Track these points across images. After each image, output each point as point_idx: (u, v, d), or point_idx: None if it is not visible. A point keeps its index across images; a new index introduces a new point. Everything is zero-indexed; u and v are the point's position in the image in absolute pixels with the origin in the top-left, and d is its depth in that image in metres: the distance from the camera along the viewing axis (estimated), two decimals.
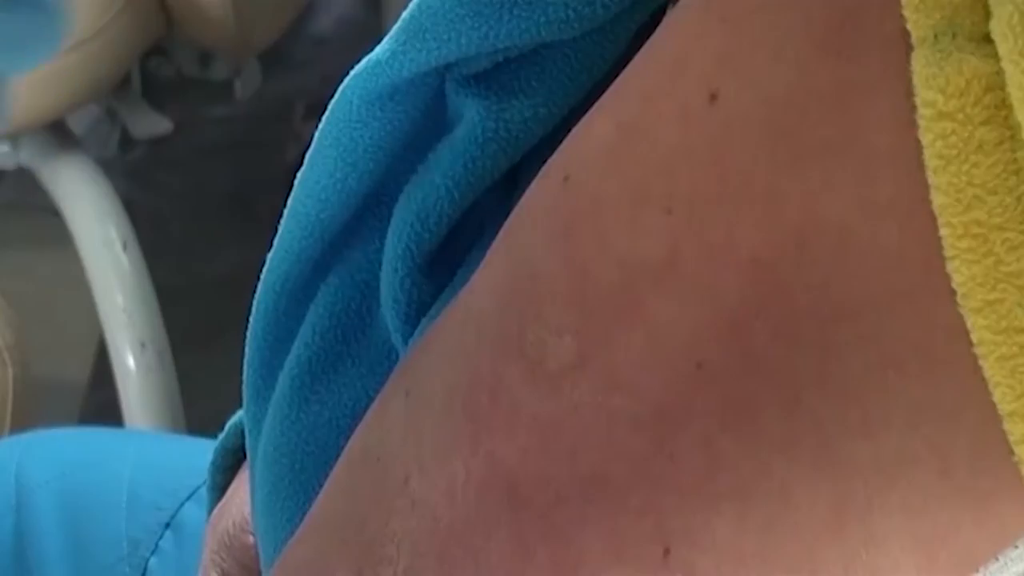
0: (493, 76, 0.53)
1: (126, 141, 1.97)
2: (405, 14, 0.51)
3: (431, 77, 0.53)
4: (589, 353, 0.43)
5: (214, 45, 1.73)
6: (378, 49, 0.52)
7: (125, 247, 1.62)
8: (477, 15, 0.51)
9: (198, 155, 2.06)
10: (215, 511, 0.82)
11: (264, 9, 1.71)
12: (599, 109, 0.48)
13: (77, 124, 1.86)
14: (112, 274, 1.69)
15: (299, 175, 0.56)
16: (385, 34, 0.53)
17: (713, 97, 0.44)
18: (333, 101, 0.53)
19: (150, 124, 1.85)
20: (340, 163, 0.54)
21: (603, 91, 0.50)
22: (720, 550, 0.42)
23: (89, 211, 1.68)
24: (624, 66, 0.54)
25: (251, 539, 0.77)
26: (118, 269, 1.68)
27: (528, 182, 0.50)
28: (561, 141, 0.49)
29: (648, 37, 0.54)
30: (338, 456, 0.54)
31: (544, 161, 0.50)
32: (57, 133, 1.77)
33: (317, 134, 0.54)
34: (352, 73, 0.53)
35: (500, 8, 0.51)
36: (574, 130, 0.49)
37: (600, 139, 0.47)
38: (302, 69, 2.01)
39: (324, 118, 0.53)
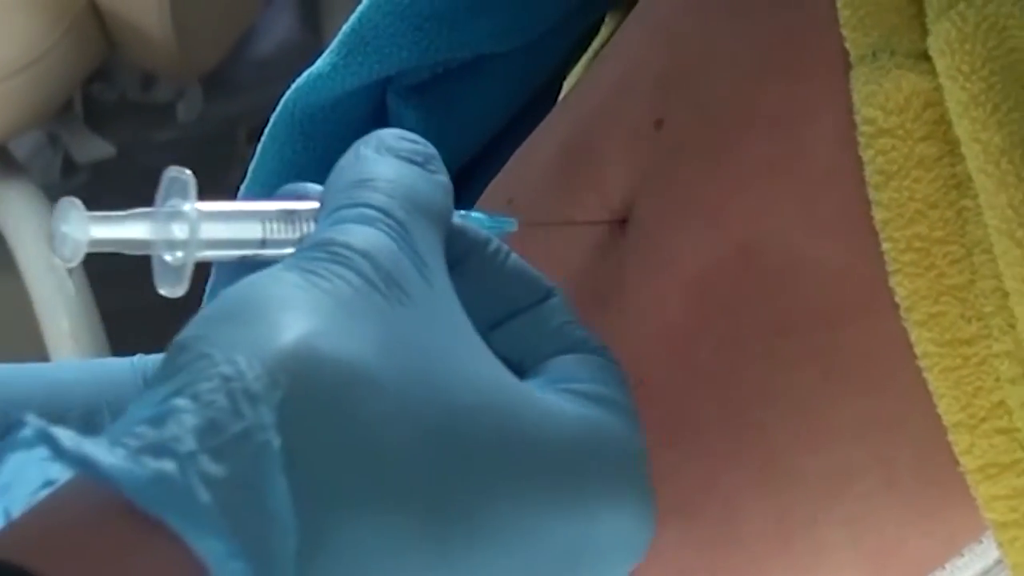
0: (433, 87, 0.53)
1: (69, 166, 1.95)
2: (346, 27, 0.51)
3: (373, 89, 0.52)
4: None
5: (156, 69, 1.72)
6: (319, 62, 0.52)
7: (70, 272, 1.61)
8: (418, 28, 0.51)
9: (142, 179, 2.03)
10: None
11: (205, 32, 1.69)
12: (544, 129, 0.48)
13: (19, 149, 1.84)
14: (58, 299, 1.67)
15: (241, 189, 0.55)
16: None
17: (659, 123, 0.44)
18: (275, 114, 0.53)
19: (93, 149, 1.83)
20: (283, 176, 0.53)
21: (543, 100, 0.51)
22: (665, 564, 0.41)
23: (34, 236, 1.66)
24: (563, 76, 0.56)
25: None
26: (63, 294, 1.67)
27: (468, 193, 0.49)
28: (500, 149, 0.49)
29: (586, 47, 0.55)
30: None
31: (485, 171, 0.50)
32: None
33: (260, 147, 0.53)
34: (293, 86, 0.52)
35: (440, 21, 0.51)
36: (517, 152, 0.49)
37: (544, 163, 0.46)
38: (244, 92, 2.00)
39: (266, 131, 0.53)
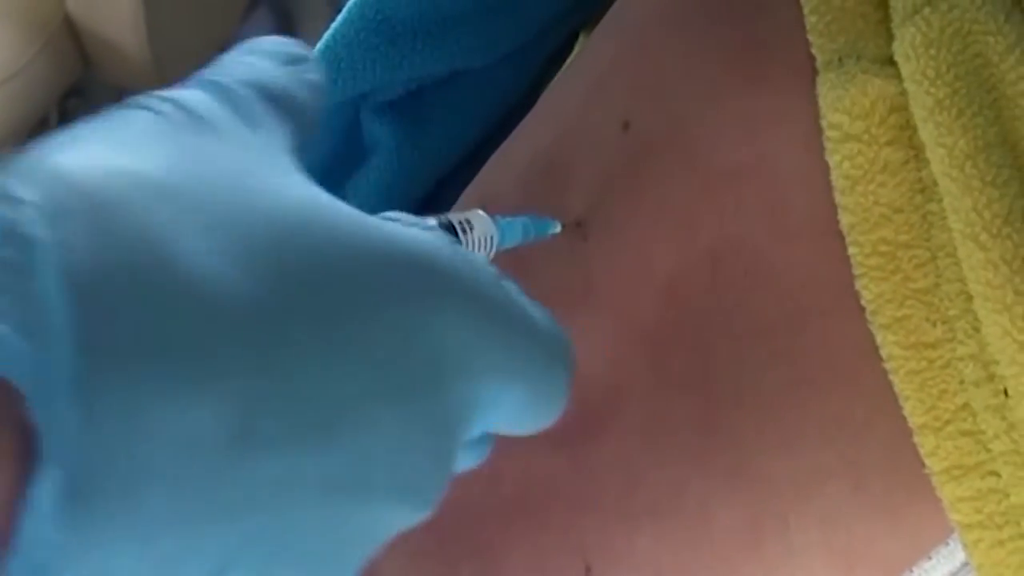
0: (408, 103, 0.53)
1: None
2: (320, 44, 0.51)
3: (347, 106, 0.53)
4: None
5: (132, 85, 1.72)
6: None
7: None
8: (391, 44, 0.51)
9: None
10: None
11: (181, 48, 1.69)
12: (517, 137, 0.48)
13: None
14: None
15: None
16: None
17: (626, 125, 0.44)
18: None
19: None
20: None
21: (518, 115, 0.51)
22: (641, 566, 0.41)
23: None
24: (539, 90, 0.55)
25: None
26: None
27: (445, 208, 0.49)
28: (476, 166, 0.49)
29: (562, 62, 0.55)
30: None
31: (460, 188, 0.50)
32: None
33: None
34: None
35: (413, 38, 0.51)
36: (492, 157, 0.49)
37: (516, 168, 0.46)
38: None
39: None
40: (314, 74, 0.33)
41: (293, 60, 0.33)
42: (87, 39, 1.58)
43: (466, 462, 0.37)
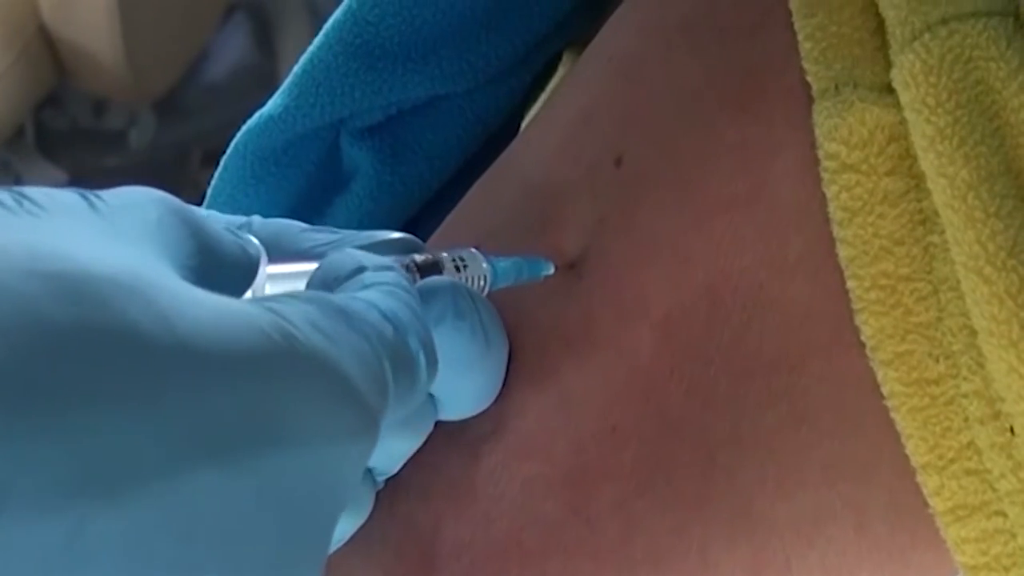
0: (388, 129, 0.52)
1: None
2: (297, 68, 0.51)
3: (325, 131, 0.52)
4: (505, 420, 0.43)
5: (108, 94, 1.71)
6: (270, 104, 0.51)
7: None
8: (370, 68, 0.50)
9: None
10: None
11: (157, 57, 1.68)
12: (503, 170, 0.48)
13: None
14: None
15: None
16: (281, 81, 0.52)
17: (619, 161, 0.43)
18: (226, 156, 0.52)
19: (44, 176, 1.82)
20: None
21: (501, 140, 0.50)
22: None
23: None
24: (522, 114, 0.55)
25: None
26: None
27: (426, 237, 0.48)
28: (459, 193, 0.49)
29: (544, 85, 0.55)
30: None
31: (443, 214, 0.49)
32: None
33: (210, 190, 0.52)
34: (244, 128, 0.52)
35: (394, 61, 0.50)
36: (475, 189, 0.48)
37: (507, 203, 0.46)
38: (197, 116, 1.99)
39: (216, 174, 0.52)
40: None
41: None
42: (62, 47, 1.57)
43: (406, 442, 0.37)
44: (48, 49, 1.58)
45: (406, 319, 0.33)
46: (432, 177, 0.53)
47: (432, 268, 0.40)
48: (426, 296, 0.38)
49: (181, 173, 1.94)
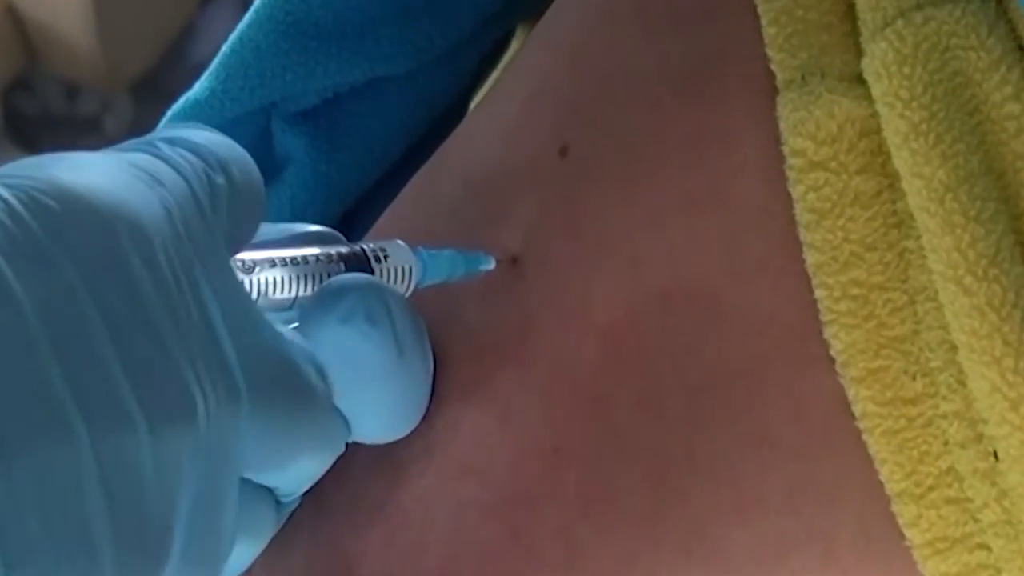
0: (323, 114, 0.51)
1: None
2: (224, 48, 0.49)
3: (256, 116, 0.50)
4: (436, 439, 0.41)
5: (81, 77, 1.69)
6: (195, 87, 0.50)
7: None
8: (303, 49, 0.48)
9: None
10: None
11: (134, 36, 1.66)
12: (441, 159, 0.46)
13: None
14: None
15: None
16: None
17: (564, 150, 0.42)
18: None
19: None
20: None
21: (447, 126, 0.49)
22: None
23: None
24: (470, 96, 0.53)
25: None
26: None
27: (364, 231, 0.47)
28: (401, 183, 0.47)
29: (495, 63, 0.52)
30: None
31: (383, 207, 0.47)
32: None
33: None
34: (168, 114, 0.50)
35: (328, 40, 0.48)
36: (412, 181, 0.46)
37: (444, 194, 0.44)
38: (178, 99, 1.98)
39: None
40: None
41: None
42: (32, 30, 1.56)
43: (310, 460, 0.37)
44: (17, 31, 1.57)
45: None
46: (371, 166, 0.51)
47: (358, 260, 0.39)
48: (333, 296, 0.37)
49: None
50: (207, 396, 0.31)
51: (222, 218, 0.34)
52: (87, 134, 1.86)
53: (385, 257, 0.39)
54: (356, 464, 0.40)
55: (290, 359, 0.34)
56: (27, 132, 1.83)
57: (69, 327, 0.29)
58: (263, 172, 0.47)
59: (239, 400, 0.32)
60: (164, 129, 0.35)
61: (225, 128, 0.48)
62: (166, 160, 0.33)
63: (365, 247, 0.39)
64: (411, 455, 0.41)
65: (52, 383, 0.28)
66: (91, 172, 0.31)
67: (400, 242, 0.39)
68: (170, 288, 0.31)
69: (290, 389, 0.34)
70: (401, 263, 0.39)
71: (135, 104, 1.87)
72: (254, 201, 0.36)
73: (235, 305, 0.33)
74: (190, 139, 0.34)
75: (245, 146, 0.49)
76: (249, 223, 0.35)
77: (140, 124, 1.88)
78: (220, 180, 0.34)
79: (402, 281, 0.39)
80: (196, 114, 0.49)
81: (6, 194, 0.29)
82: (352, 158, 0.51)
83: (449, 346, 0.41)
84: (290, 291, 0.37)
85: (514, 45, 0.52)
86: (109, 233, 0.30)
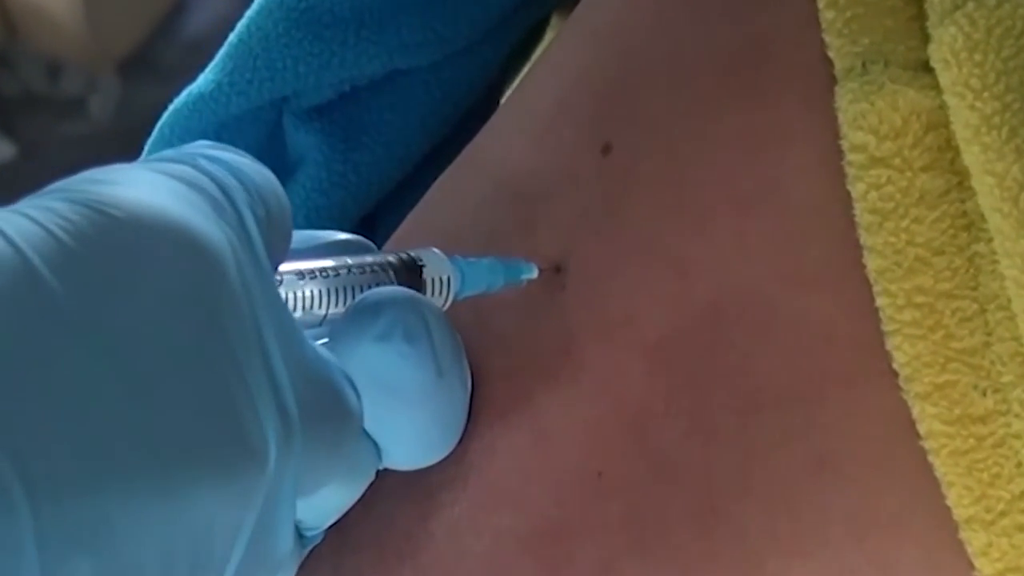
0: (339, 109, 0.51)
1: None
2: (232, 37, 0.50)
3: (266, 112, 0.51)
4: (469, 463, 0.42)
5: (64, 54, 1.70)
6: (200, 80, 0.50)
7: None
8: (317, 38, 0.49)
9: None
10: None
11: (121, 9, 1.67)
12: (471, 157, 0.47)
13: None
14: None
15: None
16: None
17: (606, 149, 0.43)
18: (149, 142, 0.52)
19: None
20: None
21: (473, 124, 0.49)
22: None
23: None
24: (499, 92, 0.54)
25: None
26: None
27: (385, 237, 0.48)
28: (424, 186, 0.48)
29: (528, 56, 0.53)
30: None
31: (404, 212, 0.48)
32: None
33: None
34: (170, 109, 0.51)
35: (345, 30, 0.49)
36: (439, 182, 0.47)
37: (475, 197, 0.45)
38: (172, 79, 1.98)
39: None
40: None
41: None
42: (11, 3, 1.56)
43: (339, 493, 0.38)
44: None
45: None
46: (392, 167, 0.52)
47: (395, 272, 0.39)
48: (368, 312, 0.38)
49: None
50: (276, 432, 0.32)
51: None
52: (71, 115, 1.87)
53: (421, 267, 0.40)
54: (382, 491, 0.41)
55: (334, 383, 0.35)
56: (5, 113, 1.84)
57: (151, 363, 0.30)
58: (274, 173, 0.48)
59: (294, 432, 0.33)
60: (199, 146, 0.36)
61: (232, 125, 0.50)
62: (218, 184, 0.34)
63: (401, 256, 0.40)
64: (442, 481, 0.42)
65: (141, 423, 0.30)
66: (155, 190, 0.32)
67: (436, 250, 0.40)
68: (244, 317, 0.32)
69: (335, 416, 0.35)
70: (438, 273, 0.40)
71: (123, 83, 1.88)
72: (285, 231, 0.37)
73: (283, 328, 0.34)
74: (233, 164, 0.35)
75: (254, 144, 0.51)
76: (279, 255, 0.36)
77: (128, 105, 1.89)
78: (260, 210, 0.35)
79: (440, 293, 0.40)
80: (200, 110, 0.50)
81: (71, 213, 0.30)
82: (371, 158, 0.52)
83: (483, 362, 0.42)
84: (322, 307, 0.38)
85: (549, 34, 0.52)
86: (187, 257, 0.31)
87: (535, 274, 0.41)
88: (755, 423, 0.39)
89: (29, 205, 0.31)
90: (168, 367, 0.30)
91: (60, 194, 0.31)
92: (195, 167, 0.34)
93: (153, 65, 1.93)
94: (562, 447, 0.41)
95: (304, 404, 0.33)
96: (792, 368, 0.39)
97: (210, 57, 0.51)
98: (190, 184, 0.33)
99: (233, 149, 0.36)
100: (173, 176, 0.33)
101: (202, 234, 0.32)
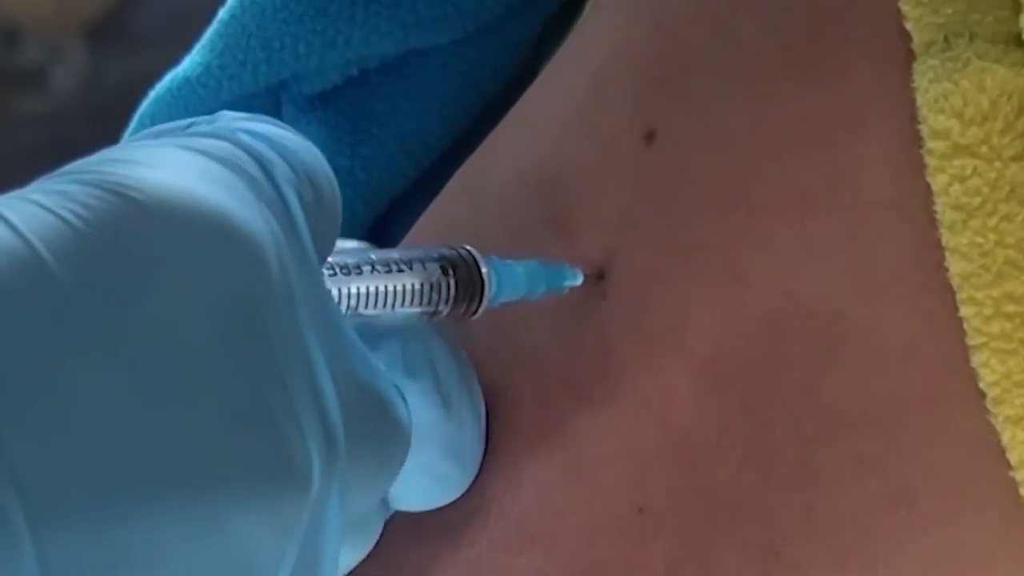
0: (346, 96, 0.52)
1: None
2: (222, 14, 0.50)
3: (261, 99, 0.51)
4: (492, 497, 0.42)
5: (23, 20, 1.70)
6: (186, 63, 0.51)
7: None
8: (321, 14, 0.49)
9: (7, 164, 2.01)
10: None
11: None
12: (496, 146, 0.47)
13: None
14: None
15: None
16: None
17: (650, 136, 0.43)
18: (128, 133, 0.51)
19: None
20: None
21: (499, 113, 0.49)
22: None
23: None
24: (529, 76, 0.53)
25: None
26: None
27: (397, 239, 0.48)
28: (442, 184, 0.48)
29: (563, 32, 0.53)
30: None
31: (422, 212, 0.48)
32: None
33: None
34: (151, 96, 0.51)
35: (352, 5, 0.49)
36: (460, 174, 0.47)
37: (498, 196, 0.45)
38: (146, 48, 1.98)
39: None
40: None
41: None
42: None
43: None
44: None
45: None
46: (406, 162, 0.52)
47: (470, 266, 0.40)
48: (366, 343, 0.38)
49: (125, 121, 1.94)
50: (319, 450, 0.32)
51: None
52: (29, 89, 1.88)
53: (452, 271, 0.40)
54: (394, 528, 0.42)
55: (383, 395, 0.36)
56: None
57: (176, 371, 0.30)
58: None
59: (339, 450, 0.33)
60: (236, 118, 0.36)
61: None
62: (260, 162, 0.34)
63: (460, 252, 0.40)
64: (458, 518, 0.42)
65: (166, 441, 0.30)
66: (183, 170, 0.32)
67: (470, 249, 0.41)
68: (285, 318, 0.32)
69: (383, 433, 0.35)
70: (469, 280, 0.40)
71: (90, 52, 1.89)
72: (334, 219, 0.37)
73: (330, 331, 0.34)
74: (276, 139, 0.35)
75: None
76: (327, 245, 0.37)
77: (97, 78, 1.90)
78: (308, 194, 0.35)
79: (474, 299, 0.40)
80: (186, 96, 0.51)
81: (85, 196, 0.30)
82: (383, 152, 0.52)
83: (508, 381, 0.43)
84: (374, 306, 0.38)
85: (587, 9, 0.52)
86: (221, 248, 0.31)
87: (580, 280, 0.42)
88: (821, 453, 0.40)
89: (38, 189, 0.31)
90: (197, 376, 0.31)
91: (74, 175, 0.31)
92: (234, 142, 0.34)
93: (125, 33, 1.94)
94: (598, 480, 0.41)
95: (350, 419, 0.34)
96: (864, 389, 0.40)
97: (190, 24, 0.51)
98: (227, 163, 0.33)
99: (274, 121, 0.36)
100: (206, 154, 0.33)
101: (239, 222, 0.32)
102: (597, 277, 0.43)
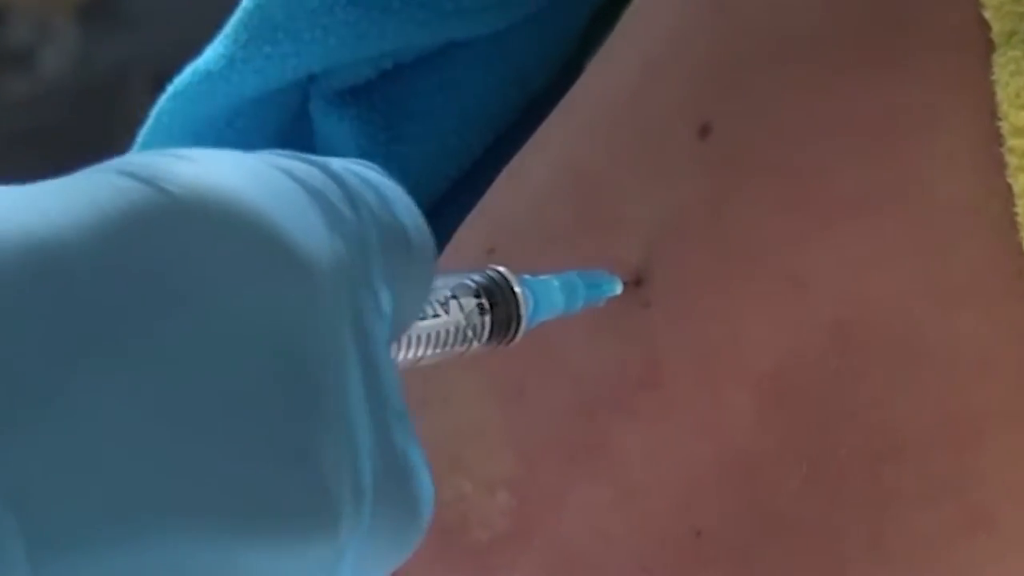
0: (380, 91, 0.51)
1: None
2: (246, 2, 0.50)
3: (288, 94, 0.51)
4: (531, 516, 0.42)
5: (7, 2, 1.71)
6: (207, 54, 0.50)
7: None
8: (353, 3, 0.49)
9: None
10: None
11: None
12: (537, 148, 0.47)
13: None
14: None
15: None
16: None
17: (704, 130, 0.43)
18: (144, 131, 0.51)
19: None
20: None
21: (543, 109, 0.49)
22: None
23: None
24: (575, 72, 0.53)
25: None
26: None
27: (441, 241, 0.48)
28: (483, 185, 0.48)
29: (611, 23, 0.54)
30: None
31: (461, 216, 0.48)
32: None
33: None
34: (170, 91, 0.51)
35: None
36: (503, 178, 0.47)
37: (537, 195, 0.46)
38: (139, 29, 1.98)
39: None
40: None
41: None
42: None
43: None
44: None
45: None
46: (445, 161, 0.52)
47: (499, 296, 0.39)
48: None
49: (116, 106, 1.95)
50: (349, 501, 0.31)
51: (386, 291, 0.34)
52: (17, 70, 1.89)
53: (491, 305, 0.38)
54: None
55: (412, 464, 0.34)
56: None
57: (200, 388, 0.29)
58: None
59: (364, 506, 0.32)
60: (345, 161, 0.34)
61: (247, 111, 0.52)
62: (349, 193, 0.33)
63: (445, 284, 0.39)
64: (492, 539, 0.43)
65: (186, 464, 0.29)
66: (238, 173, 0.30)
67: (502, 269, 0.39)
68: (330, 354, 0.31)
69: (406, 501, 0.34)
70: (505, 303, 0.39)
71: (81, 33, 1.90)
72: (421, 290, 0.36)
73: (377, 381, 0.33)
74: (381, 187, 0.34)
75: (274, 133, 0.52)
76: (405, 314, 0.35)
77: (88, 59, 1.91)
78: (399, 250, 0.34)
79: (510, 330, 0.39)
80: (207, 92, 0.50)
81: (115, 183, 0.29)
82: (419, 152, 0.52)
83: (549, 397, 0.43)
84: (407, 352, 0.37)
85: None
86: (265, 263, 0.30)
87: (620, 289, 0.42)
88: (892, 472, 0.40)
89: (67, 178, 0.30)
90: (224, 395, 0.29)
91: (113, 164, 0.30)
92: (324, 170, 0.33)
93: (117, 13, 1.94)
94: (651, 502, 0.42)
95: (377, 477, 0.33)
96: (939, 404, 0.40)
97: (184, 5, 0.50)
98: (302, 183, 0.32)
99: (369, 165, 0.35)
100: (283, 170, 0.32)
101: (295, 245, 0.30)
102: (635, 283, 0.43)
